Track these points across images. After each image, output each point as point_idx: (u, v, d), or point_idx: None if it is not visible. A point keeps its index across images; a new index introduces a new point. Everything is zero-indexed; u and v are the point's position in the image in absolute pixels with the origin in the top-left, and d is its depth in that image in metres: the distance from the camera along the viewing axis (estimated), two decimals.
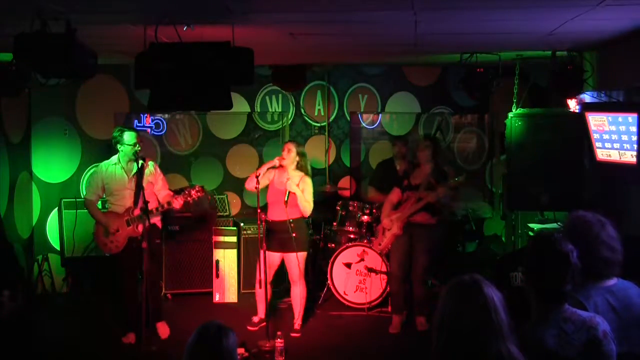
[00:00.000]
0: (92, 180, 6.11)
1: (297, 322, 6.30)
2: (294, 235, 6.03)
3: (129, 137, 5.88)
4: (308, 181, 6.14)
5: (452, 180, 6.23)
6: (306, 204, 6.07)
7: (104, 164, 6.08)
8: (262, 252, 5.91)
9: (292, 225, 6.04)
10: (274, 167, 6.20)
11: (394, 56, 7.36)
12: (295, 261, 6.10)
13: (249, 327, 6.24)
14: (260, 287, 6.14)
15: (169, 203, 5.96)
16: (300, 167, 6.16)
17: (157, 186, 6.11)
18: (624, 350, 2.68)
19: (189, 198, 5.98)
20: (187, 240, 7.43)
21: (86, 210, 7.43)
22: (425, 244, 6.28)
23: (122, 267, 6.03)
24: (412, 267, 6.33)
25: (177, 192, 6.19)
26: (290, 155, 6.10)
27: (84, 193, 6.87)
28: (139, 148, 5.93)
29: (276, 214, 6.10)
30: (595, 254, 2.82)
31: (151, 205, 5.92)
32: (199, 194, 6.03)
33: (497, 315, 2.28)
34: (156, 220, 6.05)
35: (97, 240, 6.10)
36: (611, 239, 2.86)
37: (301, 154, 6.18)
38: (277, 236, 6.08)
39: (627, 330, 2.77)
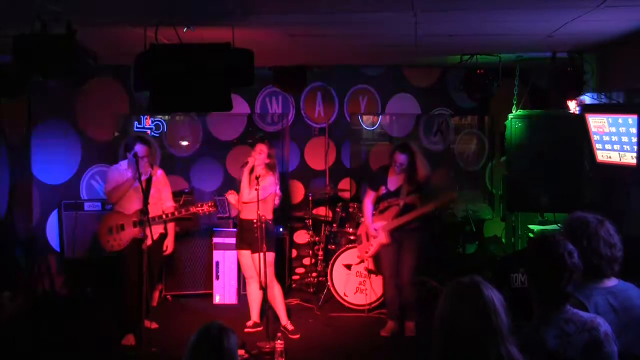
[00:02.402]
0: (109, 175, 6.25)
1: (288, 323, 6.27)
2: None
3: (140, 149, 6.04)
4: (268, 179, 6.10)
5: (444, 195, 6.26)
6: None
7: (116, 167, 6.29)
8: (261, 254, 5.91)
9: (258, 225, 6.03)
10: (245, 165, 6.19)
11: (394, 57, 7.36)
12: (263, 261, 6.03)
13: (246, 330, 6.25)
14: (259, 289, 6.15)
15: (172, 214, 6.18)
16: (269, 166, 6.16)
17: (164, 194, 6.32)
18: (624, 351, 2.68)
19: (199, 210, 6.18)
20: (187, 242, 7.43)
21: (86, 212, 7.48)
22: (412, 245, 6.20)
23: (125, 267, 6.05)
24: (400, 270, 6.24)
25: (188, 203, 6.33)
26: (261, 156, 6.13)
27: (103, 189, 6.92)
28: (146, 160, 6.11)
29: (246, 212, 6.16)
30: (595, 251, 2.82)
31: (157, 212, 6.13)
32: (211, 209, 6.20)
33: (497, 317, 2.27)
34: (161, 228, 6.27)
35: (100, 238, 6.15)
36: (610, 236, 2.86)
37: (269, 156, 6.17)
38: (247, 235, 6.13)
39: (627, 331, 2.77)
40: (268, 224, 6.09)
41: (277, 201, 6.32)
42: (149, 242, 5.72)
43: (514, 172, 6.10)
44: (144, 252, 5.65)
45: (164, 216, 6.14)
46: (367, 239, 6.43)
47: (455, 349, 2.29)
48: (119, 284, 6.13)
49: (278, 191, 6.30)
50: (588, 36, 5.19)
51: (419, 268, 6.39)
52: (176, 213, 6.20)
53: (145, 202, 5.77)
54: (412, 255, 6.21)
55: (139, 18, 4.29)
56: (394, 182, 6.25)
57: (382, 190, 6.29)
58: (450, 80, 8.38)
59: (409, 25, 4.61)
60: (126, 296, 6.05)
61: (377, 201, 6.35)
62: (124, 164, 6.20)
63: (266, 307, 6.06)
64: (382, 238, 6.25)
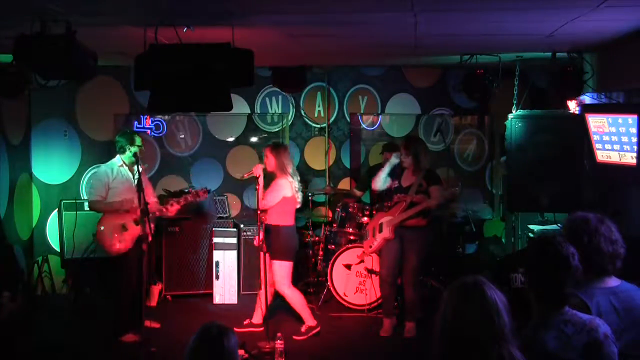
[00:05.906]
0: (96, 182, 6.07)
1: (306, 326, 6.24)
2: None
3: (139, 139, 6.03)
4: (273, 182, 6.09)
5: (449, 191, 6.25)
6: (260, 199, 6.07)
7: (108, 165, 6.12)
8: (262, 254, 5.92)
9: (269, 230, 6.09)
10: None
11: (394, 57, 7.36)
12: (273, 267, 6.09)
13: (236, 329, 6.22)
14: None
15: (171, 204, 6.13)
16: (279, 168, 6.12)
17: (148, 190, 6.15)
18: (624, 352, 2.68)
19: (197, 198, 6.22)
20: (187, 242, 7.44)
21: (86, 212, 7.46)
22: (416, 246, 6.21)
23: (128, 267, 5.97)
24: (403, 269, 6.27)
25: (178, 194, 6.31)
26: (268, 160, 6.12)
27: (87, 196, 6.76)
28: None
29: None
30: (596, 249, 2.82)
31: (152, 208, 6.06)
32: (197, 198, 6.22)
33: (499, 318, 2.27)
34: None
35: (103, 243, 5.98)
36: (611, 233, 2.87)
37: (277, 156, 6.13)
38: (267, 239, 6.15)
39: (628, 332, 2.76)
40: (276, 229, 6.09)
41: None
42: (144, 245, 5.68)
43: (514, 172, 6.09)
44: (145, 252, 5.64)
45: (164, 209, 6.08)
46: (373, 235, 6.44)
47: (457, 349, 2.29)
48: (119, 284, 6.11)
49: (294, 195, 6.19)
50: (588, 36, 5.19)
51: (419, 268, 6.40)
52: (170, 209, 6.15)
53: (144, 200, 5.74)
54: (416, 256, 6.22)
55: (139, 18, 4.29)
56: (407, 179, 6.29)
57: (395, 183, 6.32)
58: (450, 80, 8.39)
59: (409, 25, 4.61)
60: (126, 295, 6.03)
61: (388, 195, 6.39)
62: (118, 160, 6.06)
63: (266, 308, 6.06)
64: (387, 233, 6.26)
